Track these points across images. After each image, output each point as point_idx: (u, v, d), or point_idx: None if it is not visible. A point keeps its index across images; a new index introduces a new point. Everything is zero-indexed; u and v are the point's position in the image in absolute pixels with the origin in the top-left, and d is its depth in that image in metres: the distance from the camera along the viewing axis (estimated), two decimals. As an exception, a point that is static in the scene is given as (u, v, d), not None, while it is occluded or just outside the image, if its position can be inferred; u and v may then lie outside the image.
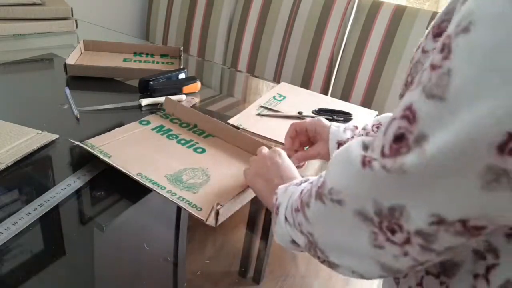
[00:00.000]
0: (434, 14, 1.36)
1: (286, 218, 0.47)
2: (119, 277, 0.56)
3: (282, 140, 0.77)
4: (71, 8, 1.41)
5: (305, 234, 0.43)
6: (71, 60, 1.08)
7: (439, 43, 0.29)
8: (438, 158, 0.28)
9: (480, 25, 0.26)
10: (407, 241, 0.32)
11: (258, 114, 0.98)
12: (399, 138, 0.30)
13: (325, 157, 0.72)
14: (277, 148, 0.64)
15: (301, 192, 0.45)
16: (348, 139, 0.68)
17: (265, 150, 0.66)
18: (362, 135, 0.69)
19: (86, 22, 1.49)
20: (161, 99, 0.98)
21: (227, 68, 1.64)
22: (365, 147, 0.36)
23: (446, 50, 0.28)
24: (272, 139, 0.88)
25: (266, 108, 1.01)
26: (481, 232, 0.30)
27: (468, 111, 0.26)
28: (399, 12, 1.40)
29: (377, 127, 0.67)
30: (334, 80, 1.54)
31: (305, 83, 1.56)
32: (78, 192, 0.67)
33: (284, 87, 1.16)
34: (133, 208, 0.66)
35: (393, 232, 0.32)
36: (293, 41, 1.57)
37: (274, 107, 1.02)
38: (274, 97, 1.08)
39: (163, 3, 1.83)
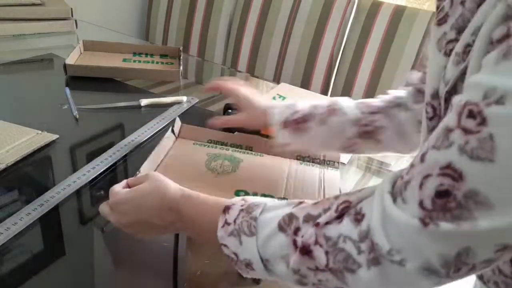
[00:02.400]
0: (434, 14, 1.36)
1: (270, 272, 0.44)
2: (119, 277, 0.56)
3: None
4: (71, 8, 1.41)
5: (323, 286, 0.41)
6: (70, 60, 1.08)
7: (464, 108, 0.31)
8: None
9: None
10: (472, 269, 0.34)
11: (258, 114, 0.98)
12: (443, 194, 0.32)
13: (243, 125, 0.74)
14: (111, 201, 0.53)
15: (304, 253, 0.40)
16: (292, 115, 0.67)
17: (118, 196, 0.53)
18: (310, 112, 0.67)
19: (86, 22, 1.49)
20: (162, 99, 0.99)
21: (227, 68, 1.64)
22: (395, 199, 0.36)
23: (479, 117, 0.30)
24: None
25: (266, 108, 1.01)
26: None
27: None
28: (399, 12, 1.40)
29: (331, 108, 0.66)
30: (334, 80, 1.54)
31: (305, 83, 1.56)
32: (78, 192, 0.67)
33: (284, 88, 1.16)
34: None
35: (458, 270, 0.34)
36: (293, 41, 1.57)
37: (274, 107, 1.02)
38: (274, 98, 1.08)
39: (163, 3, 1.83)
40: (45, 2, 1.39)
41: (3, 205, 0.62)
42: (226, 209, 0.47)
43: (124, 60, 1.19)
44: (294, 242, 0.41)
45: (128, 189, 0.53)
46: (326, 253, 0.39)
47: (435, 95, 0.44)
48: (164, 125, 0.88)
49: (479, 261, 0.33)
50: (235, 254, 0.45)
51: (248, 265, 0.44)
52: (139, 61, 1.19)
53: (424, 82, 0.59)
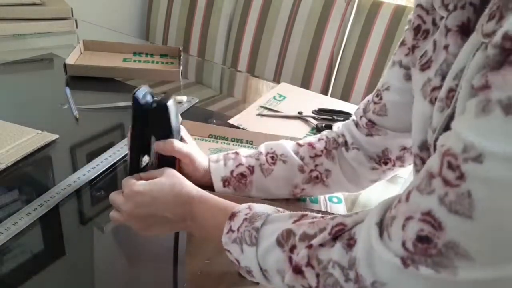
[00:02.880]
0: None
1: (269, 280, 0.45)
2: (119, 277, 0.56)
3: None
4: (71, 8, 1.41)
5: None
6: (70, 60, 1.08)
7: (445, 157, 0.31)
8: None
9: (492, 161, 0.28)
10: None
11: (258, 114, 0.98)
12: (424, 240, 0.32)
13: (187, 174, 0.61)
14: (130, 190, 0.53)
15: (297, 272, 0.41)
16: (232, 171, 0.62)
17: (118, 199, 0.54)
18: (250, 165, 0.62)
19: (86, 22, 1.49)
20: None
21: (227, 68, 1.64)
22: (381, 234, 0.36)
23: (457, 171, 0.30)
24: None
25: (266, 108, 1.01)
26: None
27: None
28: (399, 12, 1.40)
29: (271, 157, 0.63)
30: (334, 80, 1.54)
31: (305, 83, 1.56)
32: (78, 192, 0.67)
33: (284, 87, 1.16)
34: (133, 208, 0.66)
35: None
36: (293, 41, 1.57)
37: (274, 107, 1.02)
38: (274, 97, 1.08)
39: (163, 3, 1.83)
40: (45, 2, 1.39)
41: (3, 205, 0.62)
42: (232, 216, 0.48)
43: (124, 60, 1.19)
44: (290, 260, 0.42)
45: (145, 181, 0.54)
46: (317, 275, 0.39)
47: (423, 146, 0.43)
48: (164, 125, 0.88)
49: None
50: (237, 260, 0.46)
51: (249, 272, 0.46)
52: (139, 61, 1.19)
53: (380, 114, 0.59)
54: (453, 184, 0.30)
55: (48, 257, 0.57)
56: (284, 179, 0.63)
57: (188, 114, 0.95)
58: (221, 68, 1.56)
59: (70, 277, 0.55)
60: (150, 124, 0.56)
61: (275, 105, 1.03)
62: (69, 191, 0.66)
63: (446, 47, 0.40)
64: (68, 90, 0.98)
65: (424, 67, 0.43)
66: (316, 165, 0.63)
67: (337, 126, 0.68)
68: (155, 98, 0.56)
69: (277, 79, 1.62)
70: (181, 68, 1.13)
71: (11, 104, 0.94)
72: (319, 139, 0.64)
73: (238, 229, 0.46)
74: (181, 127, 0.60)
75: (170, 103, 0.54)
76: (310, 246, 0.40)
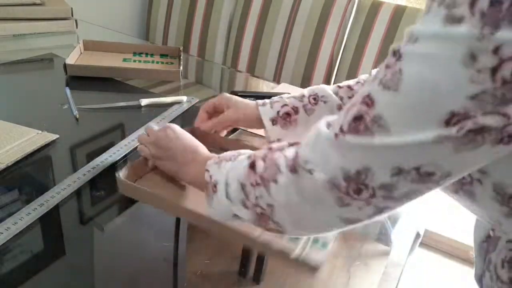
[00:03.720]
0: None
1: (227, 195, 0.50)
2: (119, 277, 0.56)
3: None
4: (71, 8, 1.41)
5: (257, 207, 0.47)
6: (71, 60, 1.08)
7: (391, 49, 0.37)
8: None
9: (423, 40, 0.34)
10: (372, 195, 0.38)
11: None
12: (357, 118, 0.37)
13: (232, 122, 0.76)
14: (168, 124, 0.67)
15: (251, 167, 0.48)
16: (279, 112, 0.72)
17: (155, 128, 0.68)
18: (294, 106, 0.72)
19: (86, 22, 1.49)
20: (162, 99, 0.98)
21: (227, 68, 1.64)
22: (328, 124, 0.42)
23: (397, 54, 0.35)
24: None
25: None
26: (431, 178, 0.36)
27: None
28: (399, 12, 1.40)
29: (314, 98, 0.72)
30: (334, 80, 1.54)
31: (305, 83, 1.55)
32: (78, 192, 0.67)
33: (284, 88, 1.16)
34: (133, 208, 0.66)
35: (359, 192, 0.38)
36: (293, 41, 1.57)
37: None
38: (274, 97, 1.08)
39: (163, 3, 1.83)
40: (45, 2, 1.39)
41: (3, 205, 0.62)
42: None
43: (124, 60, 1.19)
44: (248, 157, 0.50)
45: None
46: (264, 165, 0.47)
47: None
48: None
49: (377, 185, 0.37)
50: (210, 176, 0.53)
51: (214, 186, 0.52)
52: (139, 61, 1.19)
53: None
54: (391, 65, 0.36)
55: (48, 257, 0.57)
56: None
57: (188, 114, 0.95)
58: (221, 68, 1.56)
59: (70, 277, 0.55)
60: None
61: (275, 105, 1.03)
62: (69, 191, 0.66)
63: None
64: (68, 90, 0.98)
65: None
66: None
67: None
68: None
69: (277, 79, 1.62)
70: (181, 68, 1.13)
71: (11, 104, 0.94)
72: (357, 82, 0.72)
73: (222, 154, 0.55)
74: None
75: None
76: (270, 148, 0.48)
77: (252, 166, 0.48)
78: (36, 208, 0.61)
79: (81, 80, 1.05)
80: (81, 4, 1.55)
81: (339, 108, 0.70)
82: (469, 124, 0.32)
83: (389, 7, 1.42)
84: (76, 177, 0.69)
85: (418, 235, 0.70)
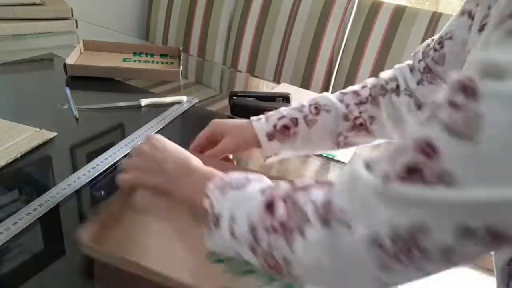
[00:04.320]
0: (434, 14, 1.36)
1: (232, 233, 0.42)
2: (119, 277, 0.56)
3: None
4: (71, 8, 1.41)
5: (270, 257, 0.39)
6: (71, 60, 1.08)
7: (452, 87, 0.29)
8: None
9: None
10: (426, 258, 0.31)
11: (258, 114, 0.98)
12: (412, 171, 0.30)
13: (232, 151, 0.67)
14: (151, 135, 0.56)
15: (268, 207, 0.39)
16: (275, 125, 0.64)
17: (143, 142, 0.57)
18: (293, 117, 0.65)
19: (86, 22, 1.49)
20: (162, 99, 0.98)
21: (227, 68, 1.64)
22: (367, 165, 0.35)
23: (470, 91, 0.28)
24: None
25: (266, 108, 1.01)
26: (505, 238, 0.29)
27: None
28: (399, 12, 1.40)
29: (315, 108, 0.65)
30: (334, 80, 1.54)
31: (305, 83, 1.56)
32: (78, 192, 0.67)
33: (284, 88, 1.16)
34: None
35: (408, 253, 0.31)
36: (293, 41, 1.57)
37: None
38: (274, 97, 1.08)
39: (163, 3, 1.83)
40: (45, 2, 1.39)
41: (3, 205, 0.62)
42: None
43: (124, 60, 1.19)
44: (263, 192, 0.41)
45: None
46: (286, 209, 0.38)
47: None
48: (164, 125, 0.88)
49: (435, 247, 0.30)
50: (211, 205, 0.44)
51: (217, 219, 0.43)
52: (139, 61, 1.19)
53: (438, 63, 0.59)
54: (461, 105, 0.28)
55: (48, 257, 0.56)
56: (328, 129, 0.65)
57: (188, 114, 0.95)
58: (221, 68, 1.56)
59: (70, 277, 0.55)
60: None
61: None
62: (69, 191, 0.66)
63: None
64: (68, 90, 0.98)
65: (482, 28, 0.43)
66: (360, 112, 0.64)
67: (386, 72, 0.68)
68: None
69: (277, 79, 1.62)
70: (181, 68, 1.13)
71: (11, 104, 0.94)
72: (363, 87, 0.66)
73: (227, 178, 0.45)
74: None
75: None
76: (293, 186, 0.40)
77: (269, 206, 0.39)
78: (36, 208, 0.61)
79: (81, 80, 1.05)
80: (81, 4, 1.55)
81: (345, 118, 0.65)
82: None
83: (389, 7, 1.42)
84: (76, 177, 0.69)
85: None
